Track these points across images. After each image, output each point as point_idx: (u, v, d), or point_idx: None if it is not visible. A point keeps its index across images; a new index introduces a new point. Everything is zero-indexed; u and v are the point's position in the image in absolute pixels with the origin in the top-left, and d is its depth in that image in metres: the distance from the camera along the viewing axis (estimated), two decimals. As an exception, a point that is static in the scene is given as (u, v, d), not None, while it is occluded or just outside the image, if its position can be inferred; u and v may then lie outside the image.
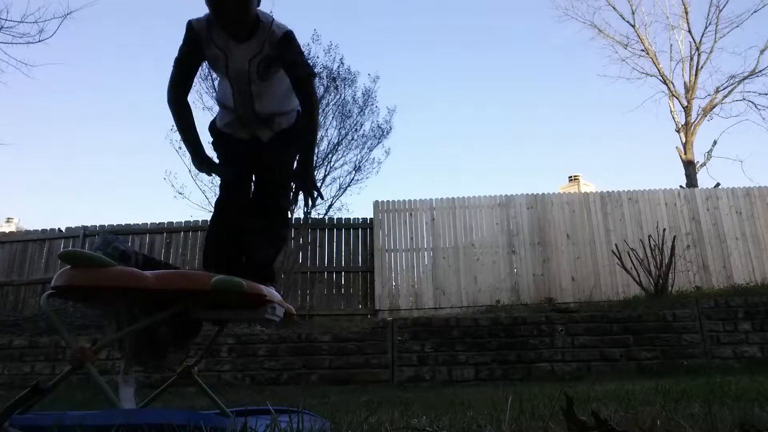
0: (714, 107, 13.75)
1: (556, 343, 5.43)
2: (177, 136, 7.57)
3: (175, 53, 1.95)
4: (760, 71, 13.62)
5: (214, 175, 2.13)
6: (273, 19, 1.93)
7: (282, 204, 2.11)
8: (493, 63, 32.97)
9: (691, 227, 8.51)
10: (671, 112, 13.97)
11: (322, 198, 2.03)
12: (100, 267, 1.49)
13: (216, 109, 2.17)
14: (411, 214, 8.71)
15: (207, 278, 1.55)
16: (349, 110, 8.51)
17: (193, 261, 8.32)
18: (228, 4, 1.78)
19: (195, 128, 2.04)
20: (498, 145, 39.29)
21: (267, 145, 2.07)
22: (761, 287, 7.09)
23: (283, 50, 1.90)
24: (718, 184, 10.18)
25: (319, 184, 8.10)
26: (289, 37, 1.91)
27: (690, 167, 12.96)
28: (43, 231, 9.00)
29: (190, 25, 1.91)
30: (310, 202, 2.04)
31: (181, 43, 1.94)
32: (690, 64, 14.08)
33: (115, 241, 1.70)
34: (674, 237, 7.38)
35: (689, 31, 14.20)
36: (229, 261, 1.97)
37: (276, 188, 2.09)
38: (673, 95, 14.02)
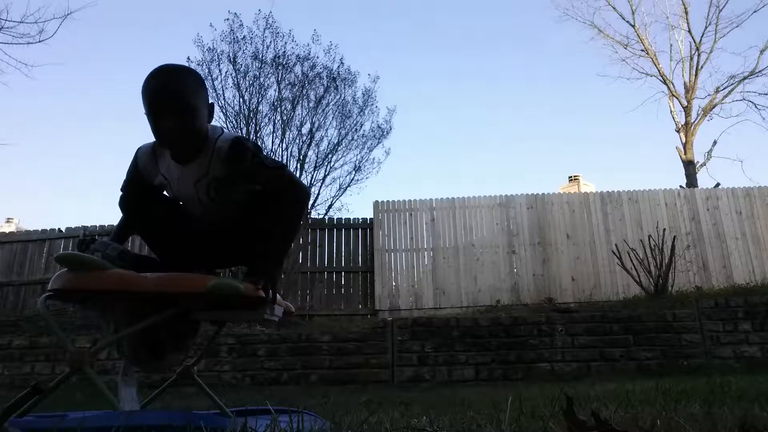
0: (714, 107, 13.77)
1: (556, 343, 5.43)
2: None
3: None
4: (760, 71, 13.64)
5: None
6: (222, 132, 1.70)
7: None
8: (493, 63, 32.99)
9: (691, 227, 8.50)
10: (671, 112, 13.99)
11: (273, 300, 1.68)
12: (97, 270, 1.49)
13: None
14: (411, 214, 8.71)
15: (204, 281, 1.55)
16: (349, 110, 8.51)
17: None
18: (169, 119, 1.57)
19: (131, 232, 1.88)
20: (498, 145, 39.32)
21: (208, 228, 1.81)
22: (761, 287, 7.09)
23: (235, 164, 1.67)
24: (718, 184, 10.18)
25: (319, 185, 7.65)
26: (235, 146, 1.66)
27: (690, 167, 12.96)
28: (43, 231, 8.99)
29: (136, 155, 1.76)
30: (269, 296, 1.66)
31: (129, 166, 1.79)
32: (690, 64, 14.10)
33: (112, 243, 1.69)
34: (674, 237, 7.39)
35: (689, 31, 14.22)
36: (208, 260, 1.87)
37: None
38: (673, 95, 14.03)
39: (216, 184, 1.70)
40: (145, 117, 1.63)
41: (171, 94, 1.58)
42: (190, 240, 1.78)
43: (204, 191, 1.71)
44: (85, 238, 1.70)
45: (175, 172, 1.71)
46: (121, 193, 1.80)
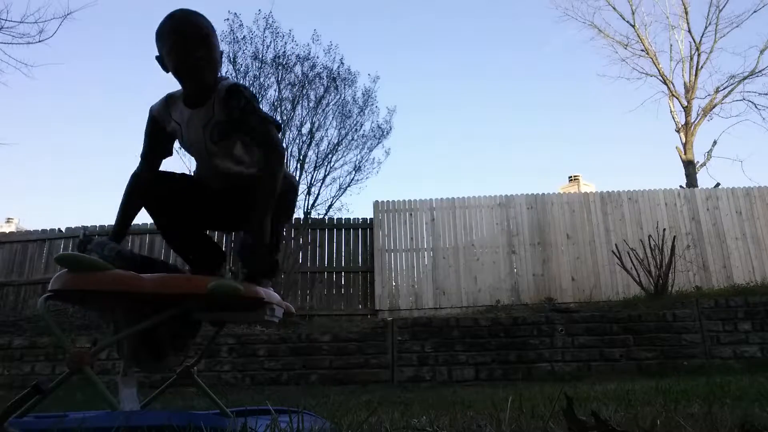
0: (714, 107, 13.77)
1: (556, 343, 5.43)
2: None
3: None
4: (760, 71, 13.65)
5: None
6: (227, 79, 1.82)
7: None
8: (493, 63, 33.00)
9: (691, 227, 8.50)
10: (671, 112, 13.99)
11: (273, 274, 1.76)
12: (97, 270, 1.49)
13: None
14: (411, 214, 8.71)
15: (203, 282, 1.55)
16: (349, 110, 8.50)
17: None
18: (200, 48, 1.69)
19: (131, 219, 1.87)
20: (498, 145, 39.33)
21: (216, 194, 1.85)
22: (761, 287, 7.08)
23: (229, 107, 1.74)
24: (718, 184, 10.18)
25: (319, 185, 7.59)
26: (232, 90, 1.75)
27: (690, 167, 12.96)
28: (43, 231, 8.99)
29: (151, 112, 1.86)
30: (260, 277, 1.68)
31: (146, 126, 1.89)
32: (690, 64, 14.10)
33: (110, 243, 1.69)
34: (674, 237, 7.38)
35: (689, 31, 14.23)
36: (205, 258, 1.90)
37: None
38: (673, 95, 14.03)
39: (219, 128, 1.76)
40: (156, 61, 1.75)
41: (201, 26, 1.72)
42: (194, 203, 1.83)
43: (209, 135, 1.77)
44: (85, 238, 1.70)
45: (186, 115, 1.79)
46: (140, 160, 1.89)
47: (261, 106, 1.83)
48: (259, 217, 1.67)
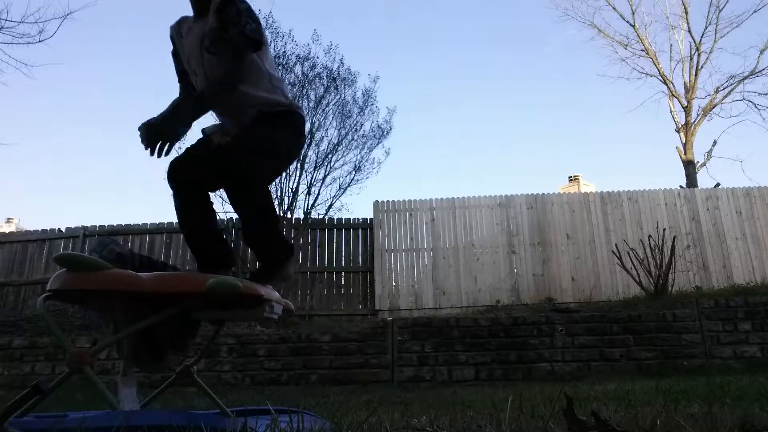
0: (714, 107, 13.74)
1: (556, 343, 5.43)
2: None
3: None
4: (760, 71, 13.62)
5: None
6: None
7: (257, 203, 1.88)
8: (493, 63, 32.99)
9: (691, 227, 8.50)
10: (671, 112, 13.96)
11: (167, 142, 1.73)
12: (96, 270, 1.49)
13: None
14: (411, 214, 8.71)
15: (202, 280, 1.55)
16: (349, 110, 8.51)
17: (194, 261, 8.30)
18: None
19: (183, 109, 1.94)
20: (498, 145, 39.32)
21: (227, 145, 1.85)
22: (761, 287, 7.08)
23: (219, 15, 1.80)
24: (718, 184, 10.17)
25: (319, 185, 7.65)
26: (226, 0, 1.80)
27: (690, 167, 12.95)
28: (43, 231, 8.99)
29: (170, 32, 2.04)
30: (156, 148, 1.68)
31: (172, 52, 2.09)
32: (690, 64, 14.08)
33: (110, 244, 1.69)
34: (674, 237, 7.38)
35: (689, 31, 14.20)
36: (215, 258, 1.91)
37: (243, 196, 1.85)
38: (673, 95, 14.01)
39: (211, 35, 1.84)
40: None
41: None
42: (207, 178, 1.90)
43: (204, 44, 1.86)
44: (103, 237, 1.72)
45: (190, 29, 1.93)
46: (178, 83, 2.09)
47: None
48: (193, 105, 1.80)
